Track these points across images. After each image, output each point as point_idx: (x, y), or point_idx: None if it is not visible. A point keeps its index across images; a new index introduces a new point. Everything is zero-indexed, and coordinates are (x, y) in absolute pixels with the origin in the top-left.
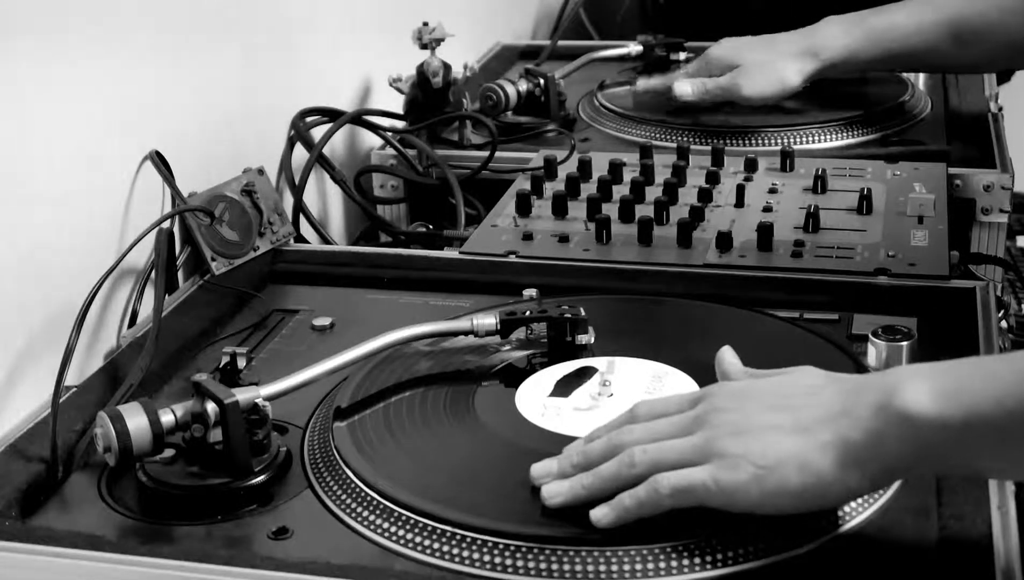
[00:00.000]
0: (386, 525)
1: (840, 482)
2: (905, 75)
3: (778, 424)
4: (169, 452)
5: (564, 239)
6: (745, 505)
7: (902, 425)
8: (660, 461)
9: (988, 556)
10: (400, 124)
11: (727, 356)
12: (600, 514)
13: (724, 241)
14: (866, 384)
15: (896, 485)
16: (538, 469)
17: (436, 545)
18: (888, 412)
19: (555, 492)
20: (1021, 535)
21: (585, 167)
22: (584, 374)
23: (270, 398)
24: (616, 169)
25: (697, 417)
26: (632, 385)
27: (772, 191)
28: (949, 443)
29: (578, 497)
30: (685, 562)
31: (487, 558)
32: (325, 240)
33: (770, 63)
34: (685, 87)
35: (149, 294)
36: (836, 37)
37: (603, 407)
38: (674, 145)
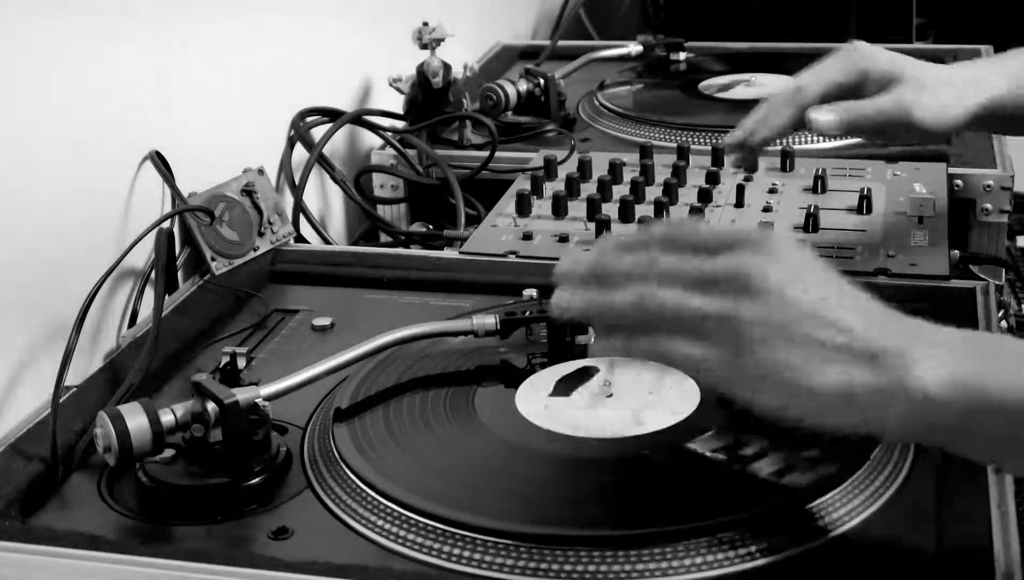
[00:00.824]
0: (386, 525)
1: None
2: None
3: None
4: (169, 452)
5: (564, 239)
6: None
7: (909, 401)
8: (680, 329)
9: (988, 556)
10: (400, 124)
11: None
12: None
13: None
14: (887, 350)
15: (896, 485)
16: (562, 266)
17: (436, 545)
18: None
19: (564, 304)
20: (1021, 535)
21: (585, 167)
22: (584, 374)
23: (270, 398)
24: (616, 169)
25: (725, 307)
26: (632, 385)
27: (772, 191)
28: (951, 429)
29: (583, 315)
30: (685, 562)
31: (487, 558)
32: (325, 240)
33: (948, 83)
34: (828, 116)
35: (149, 294)
36: (995, 74)
37: (603, 407)
38: (674, 145)
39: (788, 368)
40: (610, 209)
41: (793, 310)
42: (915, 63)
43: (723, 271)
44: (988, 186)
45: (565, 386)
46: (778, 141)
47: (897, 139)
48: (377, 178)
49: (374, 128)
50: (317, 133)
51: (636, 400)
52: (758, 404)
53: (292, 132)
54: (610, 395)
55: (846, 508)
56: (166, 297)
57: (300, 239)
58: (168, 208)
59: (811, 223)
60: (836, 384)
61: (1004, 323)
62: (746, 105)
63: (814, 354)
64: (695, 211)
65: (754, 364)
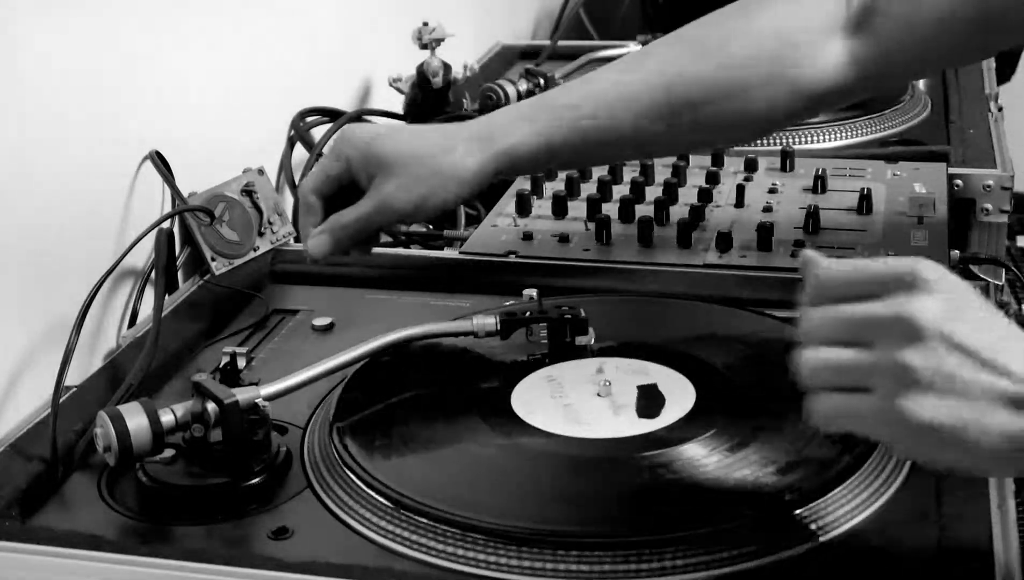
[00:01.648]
0: (386, 525)
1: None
2: None
3: (989, 389)
4: (169, 452)
5: (564, 239)
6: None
7: None
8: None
9: (988, 556)
10: (400, 124)
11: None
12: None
13: (724, 241)
14: None
15: (896, 485)
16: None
17: (436, 545)
18: None
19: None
20: (1021, 535)
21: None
22: (584, 375)
23: (270, 398)
24: (616, 169)
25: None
26: (632, 386)
27: (772, 191)
28: None
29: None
30: (685, 562)
31: (487, 558)
32: None
33: (437, 154)
34: (319, 240)
35: (149, 294)
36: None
37: (603, 407)
38: None
39: (955, 420)
40: (610, 209)
41: (959, 354)
42: (406, 139)
43: (886, 317)
44: (988, 186)
45: (565, 386)
46: (778, 142)
47: (408, 223)
48: None
49: None
50: (317, 133)
51: (635, 401)
52: (916, 457)
53: (292, 132)
54: (610, 395)
55: (846, 508)
56: (166, 297)
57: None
58: (168, 208)
59: (811, 223)
60: (1003, 436)
61: None
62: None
63: (980, 405)
64: (695, 211)
65: (919, 416)
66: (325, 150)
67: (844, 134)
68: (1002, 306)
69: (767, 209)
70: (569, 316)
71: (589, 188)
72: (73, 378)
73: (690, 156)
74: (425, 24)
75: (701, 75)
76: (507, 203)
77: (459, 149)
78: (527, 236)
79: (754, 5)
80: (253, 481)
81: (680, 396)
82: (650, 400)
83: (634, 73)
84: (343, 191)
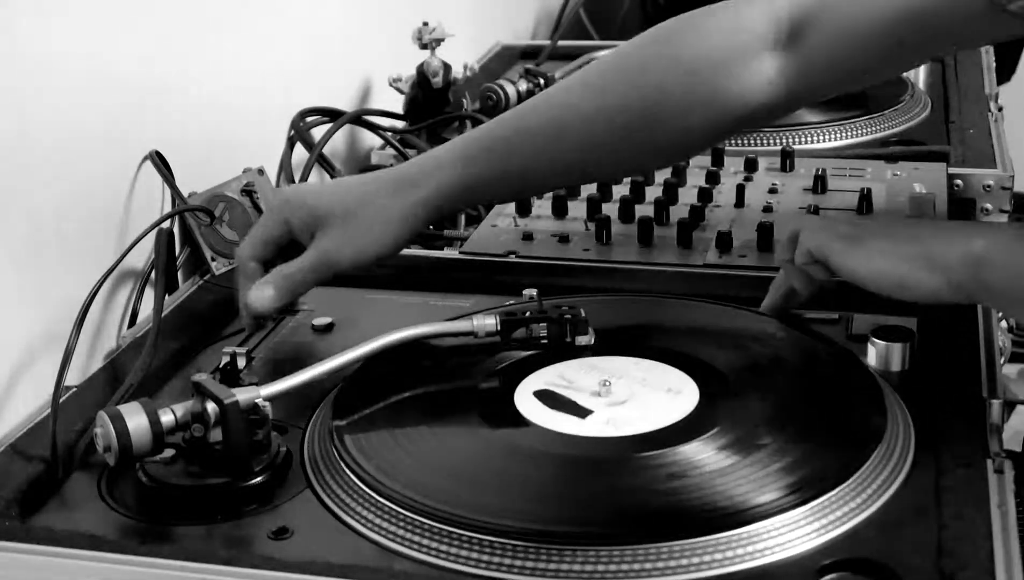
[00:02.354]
0: (386, 525)
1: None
2: (904, 75)
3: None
4: (169, 452)
5: (564, 239)
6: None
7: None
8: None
9: (988, 556)
10: (400, 124)
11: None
12: None
13: (724, 241)
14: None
15: (896, 485)
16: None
17: (436, 545)
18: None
19: None
20: (1021, 535)
21: None
22: (584, 374)
23: (270, 398)
24: None
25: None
26: (632, 386)
27: (772, 191)
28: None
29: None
30: (685, 562)
31: (487, 558)
32: None
33: (365, 206)
34: (263, 293)
35: (149, 294)
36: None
37: (603, 407)
38: None
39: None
40: (610, 209)
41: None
42: (341, 194)
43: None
44: (988, 186)
45: (565, 386)
46: (778, 142)
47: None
48: None
49: (374, 128)
50: (317, 133)
51: (635, 401)
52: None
53: (292, 132)
54: (610, 395)
55: (846, 508)
56: (166, 297)
57: None
58: (168, 208)
59: None
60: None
61: (1004, 323)
62: None
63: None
64: (695, 211)
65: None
66: (326, 151)
67: (844, 134)
68: None
69: (767, 209)
70: (569, 316)
71: (589, 188)
72: (73, 378)
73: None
74: (425, 24)
75: (627, 102)
76: (507, 203)
77: (384, 199)
78: (527, 236)
79: (680, 27)
80: (253, 481)
81: (681, 395)
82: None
83: (558, 105)
84: (282, 252)
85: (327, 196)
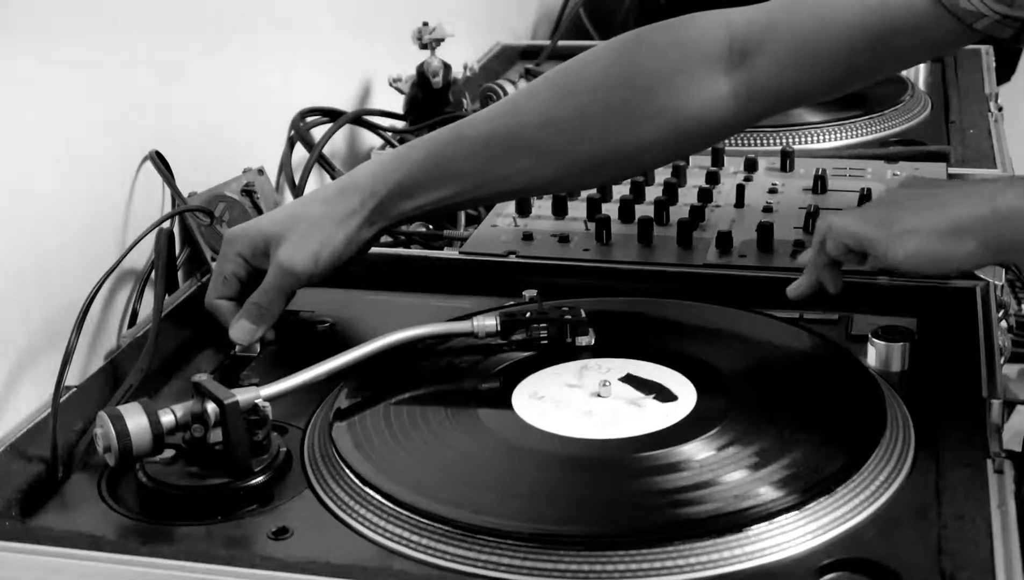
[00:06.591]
0: (386, 525)
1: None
2: (904, 74)
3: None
4: (169, 452)
5: (564, 239)
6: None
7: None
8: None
9: (988, 556)
10: (400, 124)
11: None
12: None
13: (724, 241)
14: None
15: (896, 485)
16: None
17: (436, 545)
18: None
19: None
20: (1021, 535)
21: None
22: (584, 374)
23: (270, 398)
24: None
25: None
26: (632, 385)
27: (772, 191)
28: None
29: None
30: (684, 562)
31: (487, 558)
32: None
33: (305, 218)
34: (244, 327)
35: (149, 294)
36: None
37: (602, 407)
38: None
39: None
40: (610, 209)
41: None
42: (283, 211)
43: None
44: None
45: (565, 386)
46: (778, 142)
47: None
48: None
49: (374, 128)
50: (317, 133)
51: (634, 400)
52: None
53: (292, 132)
54: (609, 396)
55: (846, 508)
56: (166, 297)
57: None
58: (168, 208)
59: (811, 223)
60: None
61: (1004, 323)
62: None
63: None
64: (695, 211)
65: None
66: (326, 151)
67: (844, 134)
68: (1002, 306)
69: (767, 209)
70: (569, 316)
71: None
72: (73, 378)
73: (690, 156)
74: (425, 24)
75: (578, 114)
76: (507, 203)
77: (328, 201)
78: (527, 236)
79: (635, 43)
80: (253, 481)
81: (681, 396)
82: (654, 389)
83: (506, 112)
84: (245, 288)
85: (270, 218)
